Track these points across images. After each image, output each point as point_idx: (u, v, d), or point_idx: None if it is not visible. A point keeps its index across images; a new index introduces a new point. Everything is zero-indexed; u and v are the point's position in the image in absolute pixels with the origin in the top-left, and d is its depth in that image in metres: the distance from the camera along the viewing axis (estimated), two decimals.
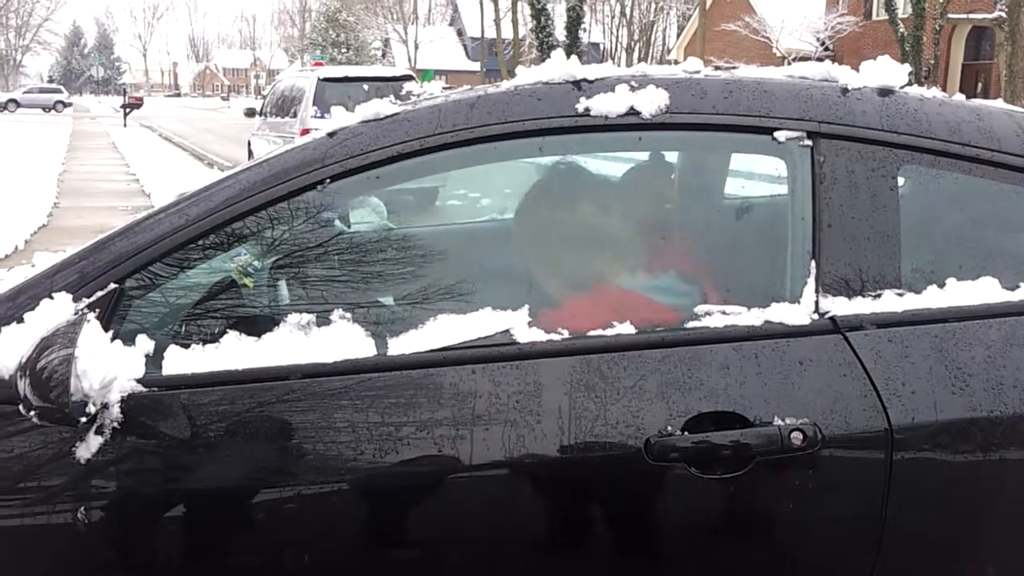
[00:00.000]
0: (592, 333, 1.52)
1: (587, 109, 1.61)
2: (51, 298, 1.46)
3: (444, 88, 2.27)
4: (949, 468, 1.47)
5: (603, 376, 1.46)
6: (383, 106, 1.66)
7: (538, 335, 1.50)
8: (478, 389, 1.45)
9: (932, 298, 1.54)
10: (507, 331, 1.50)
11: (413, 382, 1.46)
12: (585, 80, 1.66)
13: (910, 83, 1.75)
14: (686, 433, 1.43)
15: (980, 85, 24.28)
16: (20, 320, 1.46)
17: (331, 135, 1.63)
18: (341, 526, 1.45)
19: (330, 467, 1.43)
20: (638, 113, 1.60)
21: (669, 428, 1.43)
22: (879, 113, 1.63)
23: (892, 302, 1.53)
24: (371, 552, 1.47)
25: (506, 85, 1.71)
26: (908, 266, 1.56)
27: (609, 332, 1.51)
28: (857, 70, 1.73)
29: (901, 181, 1.61)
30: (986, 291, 1.55)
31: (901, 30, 22.62)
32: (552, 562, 1.48)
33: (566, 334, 1.51)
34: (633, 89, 1.62)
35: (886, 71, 1.70)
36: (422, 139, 1.59)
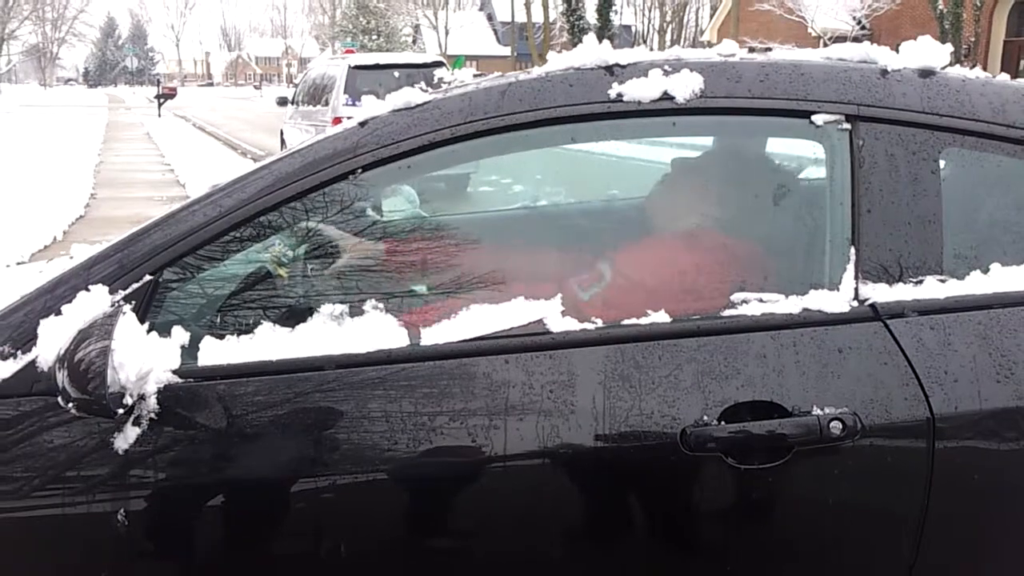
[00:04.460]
0: (626, 322, 1.50)
1: (620, 95, 1.58)
2: (88, 290, 1.47)
3: (475, 75, 2.26)
4: (993, 458, 1.44)
5: (638, 366, 1.45)
6: (414, 95, 1.65)
7: (571, 324, 1.49)
8: (511, 379, 1.44)
9: (975, 284, 1.50)
10: (540, 320, 1.49)
11: (446, 372, 1.46)
12: (617, 65, 1.63)
13: (951, 63, 1.71)
14: (723, 423, 1.41)
15: (1022, 62, 23.72)
16: (58, 312, 1.47)
17: (362, 124, 1.63)
18: (377, 515, 1.45)
19: (365, 457, 1.43)
20: (672, 98, 1.58)
21: (705, 418, 1.41)
22: (920, 95, 1.59)
23: (934, 288, 1.49)
24: (406, 541, 1.47)
25: (537, 72, 1.70)
26: (950, 251, 1.53)
27: (644, 321, 1.49)
28: (895, 49, 1.69)
29: (943, 164, 1.58)
30: None
31: (940, 7, 22.14)
32: (588, 552, 1.47)
33: (600, 323, 1.50)
34: (667, 73, 1.59)
35: (927, 51, 1.66)
36: (453, 127, 1.58)
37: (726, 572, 1.49)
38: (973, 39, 22.49)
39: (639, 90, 1.58)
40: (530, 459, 1.42)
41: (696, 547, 1.50)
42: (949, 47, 1.69)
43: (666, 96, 1.58)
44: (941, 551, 1.46)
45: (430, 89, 1.81)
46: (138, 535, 1.45)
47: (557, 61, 1.70)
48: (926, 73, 1.64)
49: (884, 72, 1.63)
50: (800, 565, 1.49)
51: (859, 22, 26.66)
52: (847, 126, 1.57)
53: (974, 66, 1.80)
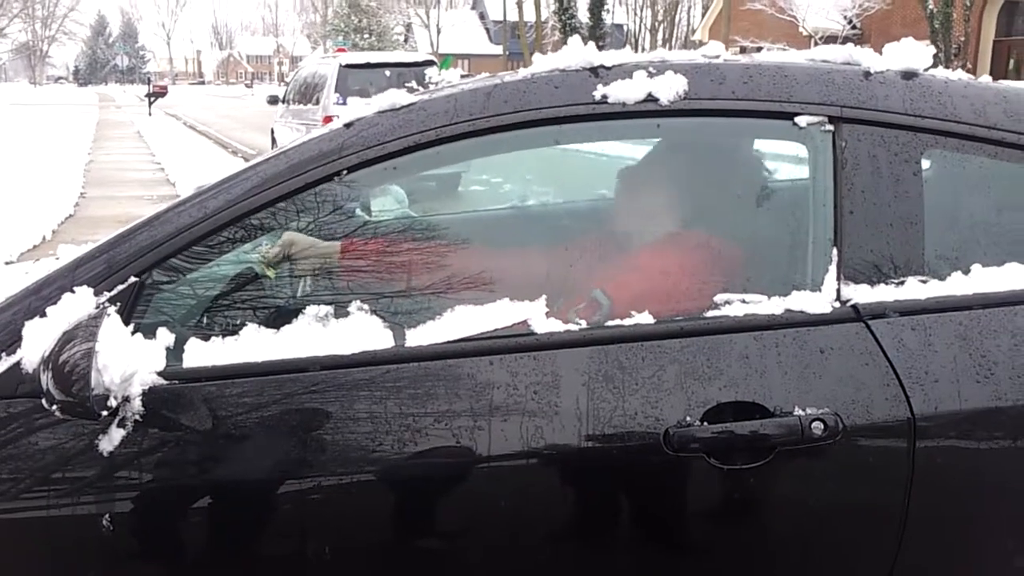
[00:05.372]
0: (610, 323, 1.51)
1: (604, 96, 1.59)
2: (73, 292, 1.47)
3: (463, 76, 2.26)
4: (973, 458, 1.45)
5: (621, 366, 1.45)
6: (399, 96, 1.66)
7: (555, 325, 1.49)
8: (496, 380, 1.45)
9: (956, 285, 1.51)
10: (525, 321, 1.50)
11: (431, 373, 1.46)
12: (602, 67, 1.64)
13: (935, 65, 1.72)
14: (706, 423, 1.42)
15: (1012, 62, 23.81)
16: (43, 314, 1.47)
17: (348, 126, 1.63)
18: (362, 517, 1.46)
19: (351, 458, 1.43)
20: (656, 100, 1.59)
21: (688, 419, 1.42)
22: (902, 97, 1.60)
23: (915, 289, 1.50)
24: (392, 542, 1.48)
25: (523, 73, 1.70)
26: (932, 252, 1.54)
27: (627, 322, 1.50)
28: (882, 50, 1.70)
29: (925, 165, 1.59)
30: (1012, 277, 1.52)
31: (930, 7, 22.20)
32: (571, 553, 1.48)
33: (584, 324, 1.51)
34: (651, 75, 1.60)
35: (910, 53, 1.67)
36: (438, 129, 1.59)
37: (709, 572, 1.50)
38: (963, 39, 22.57)
39: (624, 92, 1.59)
40: (514, 460, 1.42)
41: (679, 547, 1.51)
42: (932, 49, 1.70)
43: (650, 98, 1.59)
44: (922, 550, 1.47)
45: (419, 89, 1.81)
46: (124, 537, 1.45)
47: (542, 63, 1.71)
48: (909, 75, 1.65)
49: (867, 74, 1.64)
50: (782, 564, 1.50)
51: (850, 21, 26.73)
52: (830, 127, 1.58)
53: (963, 66, 1.81)
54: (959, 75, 1.72)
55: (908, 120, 1.58)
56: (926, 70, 1.68)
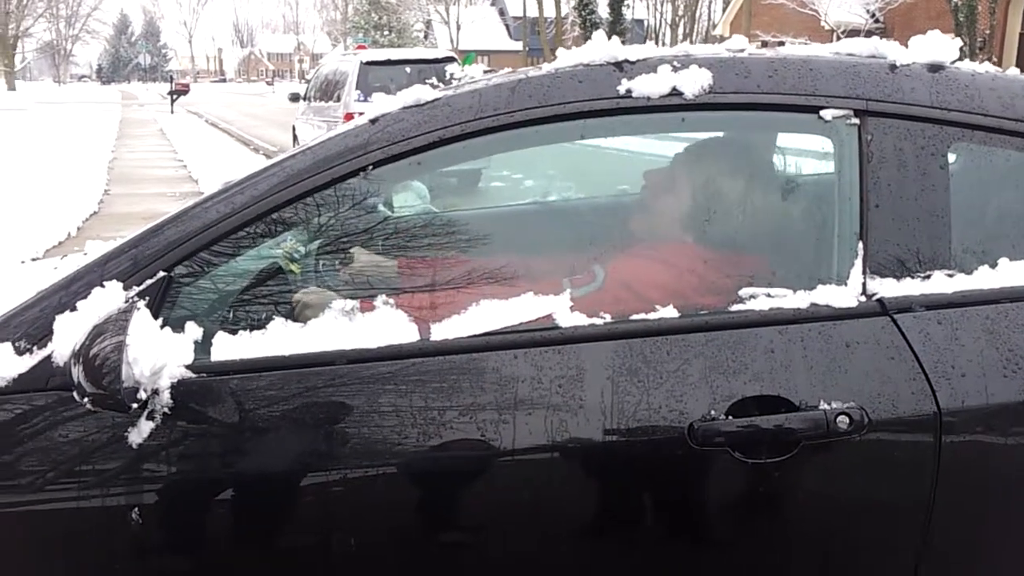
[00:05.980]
0: (635, 317, 1.51)
1: (629, 91, 1.59)
2: (102, 286, 1.49)
3: (485, 71, 2.26)
4: (1000, 452, 1.44)
5: (646, 360, 1.45)
6: (424, 92, 1.66)
7: (580, 319, 1.50)
8: (520, 374, 1.45)
9: (983, 279, 1.50)
10: (549, 315, 1.50)
11: (456, 367, 1.47)
12: (627, 61, 1.64)
13: (961, 58, 1.71)
14: (730, 417, 1.42)
15: None
16: (73, 308, 1.49)
17: (373, 122, 1.64)
18: (387, 509, 1.47)
19: (376, 451, 1.44)
20: (681, 94, 1.58)
21: (713, 412, 1.42)
22: (929, 90, 1.59)
23: (942, 283, 1.50)
24: (417, 534, 1.49)
25: (547, 68, 1.70)
26: (958, 246, 1.53)
27: (652, 316, 1.50)
28: (908, 43, 1.69)
29: (952, 159, 1.58)
30: None
31: (955, 0, 21.97)
32: (595, 547, 1.48)
33: (608, 318, 1.51)
34: (675, 69, 1.60)
35: (936, 46, 1.66)
36: (463, 124, 1.59)
37: (734, 566, 1.50)
38: (988, 32, 22.28)
39: (648, 86, 1.59)
40: (539, 453, 1.43)
41: (703, 541, 1.51)
42: (958, 42, 1.69)
43: (675, 92, 1.59)
44: (948, 545, 1.46)
45: (441, 85, 1.82)
46: (151, 528, 1.47)
47: (566, 57, 1.71)
48: (935, 68, 1.64)
49: (893, 67, 1.63)
50: (808, 559, 1.50)
51: (873, 15, 26.45)
52: (856, 121, 1.57)
53: (989, 59, 1.79)
54: (986, 68, 1.70)
55: (934, 113, 1.57)
56: (952, 63, 1.67)
